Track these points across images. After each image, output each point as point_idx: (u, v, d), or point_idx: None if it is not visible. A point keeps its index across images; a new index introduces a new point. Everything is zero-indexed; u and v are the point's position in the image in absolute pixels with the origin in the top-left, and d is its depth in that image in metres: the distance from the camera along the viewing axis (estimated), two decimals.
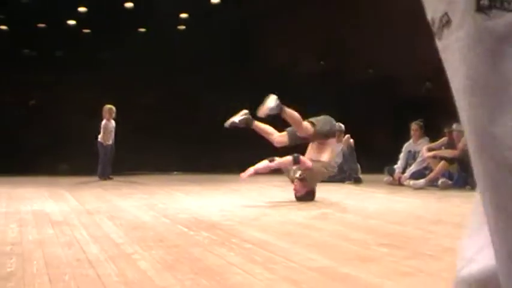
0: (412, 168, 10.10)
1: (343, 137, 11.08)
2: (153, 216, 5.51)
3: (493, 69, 0.77)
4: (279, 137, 7.39)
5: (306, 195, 7.09)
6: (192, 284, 2.80)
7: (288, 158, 6.99)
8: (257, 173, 7.03)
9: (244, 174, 6.93)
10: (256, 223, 5.02)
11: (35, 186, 9.41)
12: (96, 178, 11.50)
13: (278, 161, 7.04)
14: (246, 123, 7.33)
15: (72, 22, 18.19)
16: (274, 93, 7.27)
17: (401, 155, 10.48)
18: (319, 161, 7.20)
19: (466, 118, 0.83)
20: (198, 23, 17.79)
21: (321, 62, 19.61)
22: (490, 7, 0.77)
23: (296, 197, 7.11)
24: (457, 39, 0.81)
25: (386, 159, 11.36)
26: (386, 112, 16.02)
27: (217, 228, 4.67)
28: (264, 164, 7.01)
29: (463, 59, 0.81)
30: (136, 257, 3.48)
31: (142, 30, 18.57)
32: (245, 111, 7.43)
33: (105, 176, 11.58)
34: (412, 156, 10.30)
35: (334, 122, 7.61)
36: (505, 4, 0.76)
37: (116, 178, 11.62)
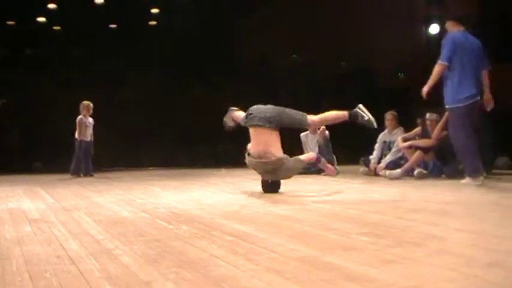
0: (388, 159, 10.16)
1: (319, 128, 11.11)
2: (131, 211, 5.48)
3: None
4: None
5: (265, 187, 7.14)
6: (176, 277, 2.78)
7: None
8: None
9: None
10: (236, 216, 5.00)
11: (10, 185, 9.33)
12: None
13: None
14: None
15: (42, 19, 17.99)
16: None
17: (377, 146, 10.54)
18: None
19: None
20: (169, 18, 17.73)
21: (294, 55, 19.65)
22: None
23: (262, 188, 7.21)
24: None
25: (361, 150, 11.43)
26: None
27: (197, 221, 4.65)
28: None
29: None
30: (118, 252, 3.45)
31: (113, 26, 18.44)
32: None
33: (78, 173, 11.43)
34: (387, 147, 10.36)
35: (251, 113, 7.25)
36: None
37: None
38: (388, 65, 17.32)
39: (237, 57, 17.48)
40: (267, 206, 5.75)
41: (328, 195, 6.79)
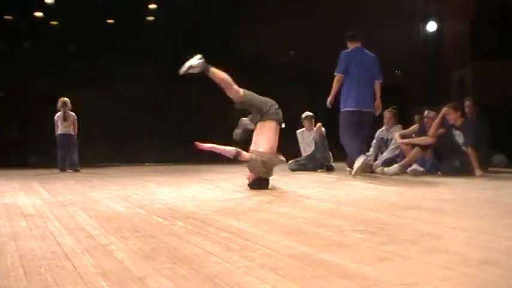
0: (384, 156, 10.17)
1: (315, 125, 11.11)
2: (127, 207, 5.47)
3: None
4: (236, 90, 7.38)
5: (255, 183, 7.08)
6: (170, 273, 2.78)
7: (230, 150, 7.01)
8: (210, 151, 7.18)
9: (200, 144, 7.03)
10: (231, 212, 5.00)
11: (5, 179, 9.32)
12: (69, 171, 11.39)
13: (219, 147, 7.11)
14: (203, 68, 7.30)
15: (39, 14, 17.94)
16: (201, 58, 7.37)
17: (374, 143, 10.54)
18: (256, 151, 7.11)
19: None
20: (167, 14, 17.68)
21: (291, 52, 19.63)
22: None
23: (248, 185, 7.16)
24: None
25: None
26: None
27: (193, 217, 4.65)
28: (210, 145, 7.05)
29: None
30: (113, 248, 3.45)
31: (111, 21, 18.39)
32: (200, 55, 7.38)
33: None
34: (385, 144, 10.36)
35: (272, 106, 7.30)
36: None
37: (88, 170, 11.54)
38: (385, 62, 17.30)
39: (235, 54, 17.45)
40: (262, 202, 5.75)
41: (323, 192, 6.79)
